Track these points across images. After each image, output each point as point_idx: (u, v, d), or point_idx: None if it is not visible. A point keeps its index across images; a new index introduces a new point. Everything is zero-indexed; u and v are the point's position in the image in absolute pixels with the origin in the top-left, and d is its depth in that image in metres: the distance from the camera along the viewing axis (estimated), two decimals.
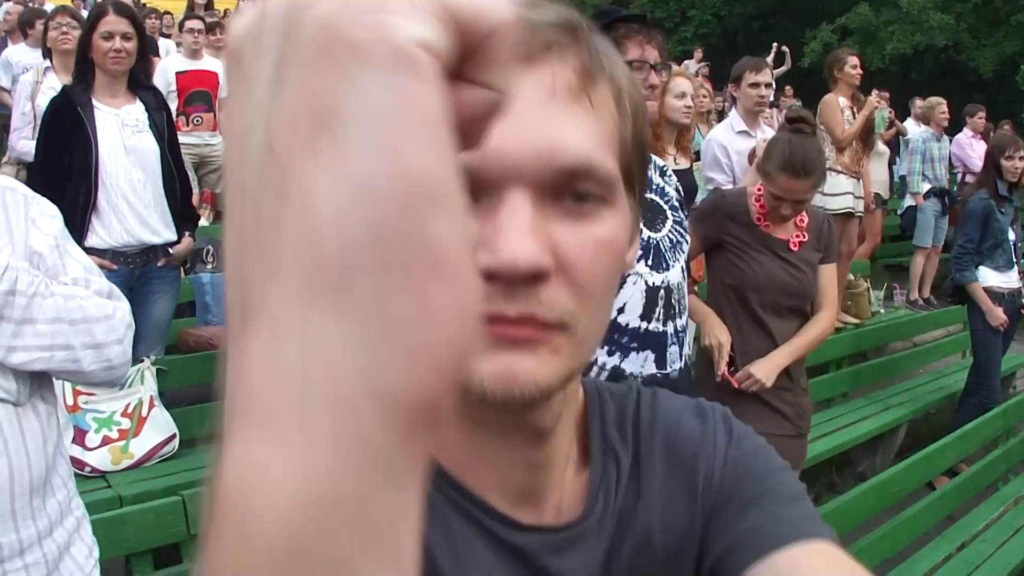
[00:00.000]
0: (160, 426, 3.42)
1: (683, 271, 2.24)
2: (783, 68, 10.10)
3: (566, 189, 0.55)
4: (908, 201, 8.55)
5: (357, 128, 0.24)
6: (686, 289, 2.29)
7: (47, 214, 1.54)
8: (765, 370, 2.80)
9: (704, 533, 0.71)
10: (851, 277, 6.64)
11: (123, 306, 1.55)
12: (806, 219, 2.86)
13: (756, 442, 0.75)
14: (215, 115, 6.21)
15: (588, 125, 0.55)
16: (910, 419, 5.39)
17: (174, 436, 3.46)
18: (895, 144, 9.36)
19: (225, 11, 9.33)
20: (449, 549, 0.61)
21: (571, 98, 0.55)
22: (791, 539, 0.64)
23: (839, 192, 5.94)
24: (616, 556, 0.68)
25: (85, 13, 5.12)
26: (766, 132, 4.75)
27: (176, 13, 9.39)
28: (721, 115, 7.89)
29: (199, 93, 6.17)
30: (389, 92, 0.24)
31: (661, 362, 2.14)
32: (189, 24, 6.64)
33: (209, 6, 9.68)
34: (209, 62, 6.66)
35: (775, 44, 10.42)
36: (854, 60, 5.98)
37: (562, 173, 0.54)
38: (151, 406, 3.39)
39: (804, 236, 2.86)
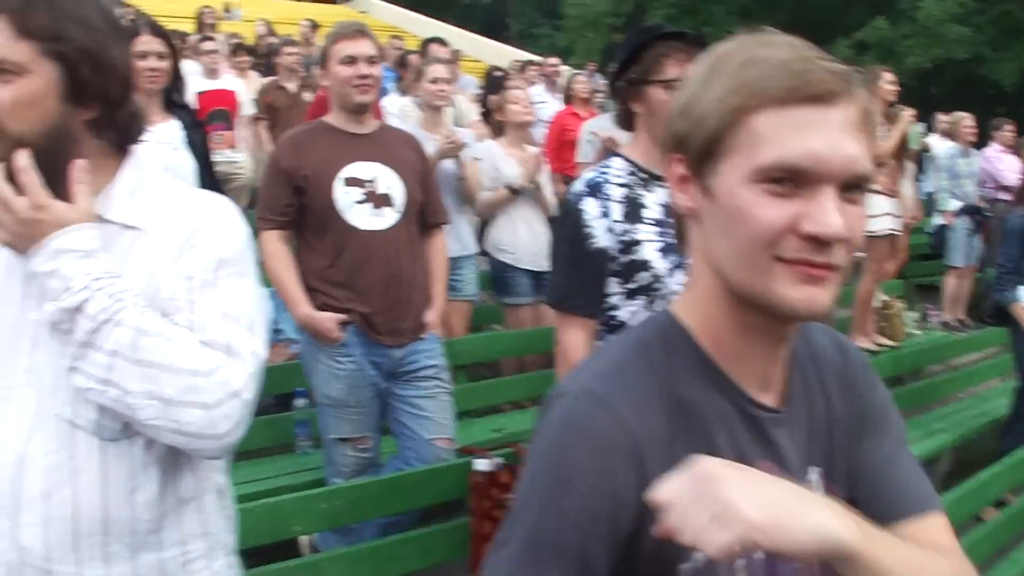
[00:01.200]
0: None
1: None
2: None
3: (850, 186, 0.84)
4: (938, 219, 8.38)
5: None
6: None
7: (223, 241, 1.35)
8: None
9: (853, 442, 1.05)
10: (885, 298, 6.49)
11: (237, 369, 1.29)
12: None
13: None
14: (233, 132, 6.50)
15: (865, 148, 0.85)
16: (953, 445, 5.23)
17: None
18: (919, 160, 9.20)
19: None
20: (718, 416, 0.93)
21: (858, 129, 0.84)
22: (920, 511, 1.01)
23: (879, 213, 5.81)
24: (812, 439, 1.00)
25: None
26: None
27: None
28: None
29: (219, 112, 6.43)
30: None
31: None
32: (205, 46, 7.04)
33: (215, 28, 10.25)
34: (227, 81, 7.00)
35: None
36: (890, 76, 5.88)
37: (855, 178, 0.85)
38: None
39: None
